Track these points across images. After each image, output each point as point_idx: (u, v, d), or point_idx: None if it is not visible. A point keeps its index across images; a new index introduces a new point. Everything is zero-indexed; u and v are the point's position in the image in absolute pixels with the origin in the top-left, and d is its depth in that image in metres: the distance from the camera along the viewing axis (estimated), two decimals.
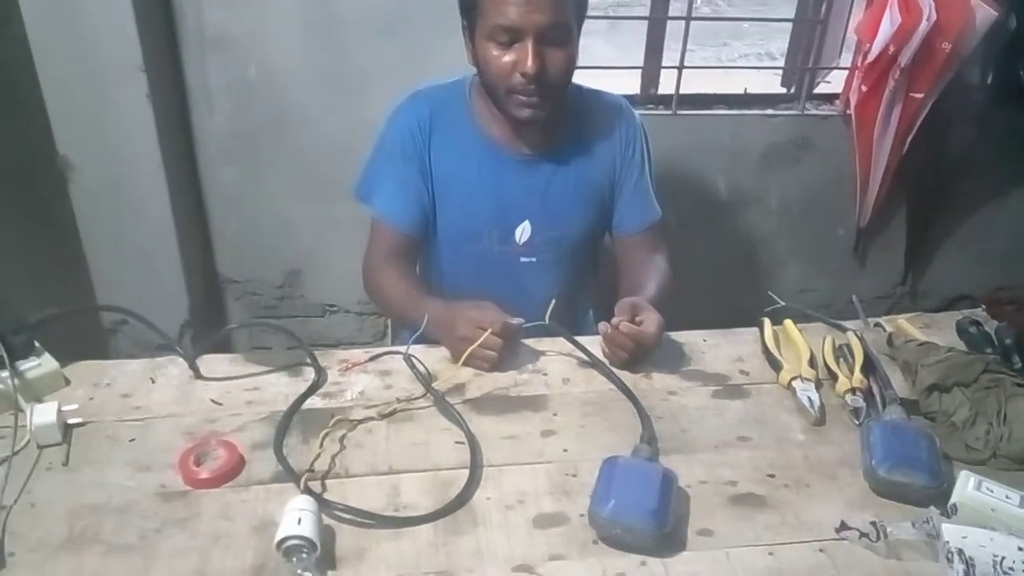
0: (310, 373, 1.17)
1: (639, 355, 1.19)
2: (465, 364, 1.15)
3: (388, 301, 1.43)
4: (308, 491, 0.92)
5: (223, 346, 2.32)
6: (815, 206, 2.33)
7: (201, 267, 2.11)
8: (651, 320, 1.18)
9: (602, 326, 1.18)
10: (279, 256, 2.23)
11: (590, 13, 1.34)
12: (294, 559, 0.82)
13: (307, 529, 0.83)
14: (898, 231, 2.39)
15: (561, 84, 1.29)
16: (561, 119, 1.40)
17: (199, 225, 2.08)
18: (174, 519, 0.91)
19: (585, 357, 1.21)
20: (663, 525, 0.88)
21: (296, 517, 0.84)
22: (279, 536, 0.83)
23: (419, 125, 1.38)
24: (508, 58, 1.23)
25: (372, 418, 1.07)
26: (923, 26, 1.90)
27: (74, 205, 1.84)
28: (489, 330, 1.14)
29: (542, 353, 1.24)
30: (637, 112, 1.48)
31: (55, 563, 0.85)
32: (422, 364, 1.17)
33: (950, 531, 0.87)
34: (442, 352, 1.23)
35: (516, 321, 1.19)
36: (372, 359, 1.15)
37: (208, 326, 2.18)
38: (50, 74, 1.73)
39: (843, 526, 0.91)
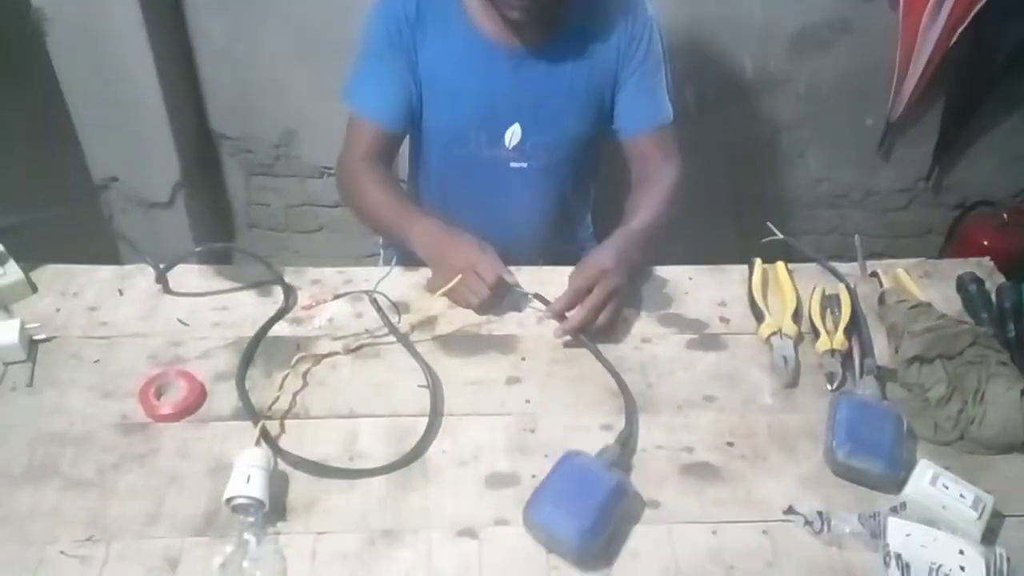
0: (280, 293, 1.15)
1: (605, 321, 1.11)
2: (445, 295, 1.13)
3: (370, 211, 1.29)
4: (265, 435, 0.93)
5: (221, 198, 2.29)
6: (845, 94, 2.16)
7: (192, 125, 2.04)
8: (595, 299, 1.08)
9: (556, 332, 1.10)
10: (273, 115, 2.13)
11: None
12: (241, 517, 0.84)
13: (255, 489, 0.84)
14: (929, 127, 2.23)
15: None
16: (561, 13, 1.26)
17: (188, 80, 1.98)
18: (133, 454, 0.93)
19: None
20: (590, 544, 0.84)
21: (246, 475, 0.85)
22: (227, 495, 0.84)
23: (406, 17, 1.26)
24: None
25: (337, 352, 1.06)
26: None
27: (54, 63, 1.73)
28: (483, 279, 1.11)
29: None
30: (651, 4, 1.33)
31: (14, 495, 0.88)
32: (386, 298, 1.12)
33: (894, 527, 0.87)
34: (420, 276, 1.20)
35: (511, 280, 1.15)
36: (337, 298, 1.12)
37: (202, 185, 2.14)
38: None
39: (790, 510, 0.91)
